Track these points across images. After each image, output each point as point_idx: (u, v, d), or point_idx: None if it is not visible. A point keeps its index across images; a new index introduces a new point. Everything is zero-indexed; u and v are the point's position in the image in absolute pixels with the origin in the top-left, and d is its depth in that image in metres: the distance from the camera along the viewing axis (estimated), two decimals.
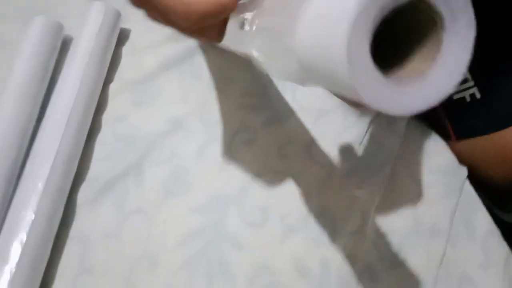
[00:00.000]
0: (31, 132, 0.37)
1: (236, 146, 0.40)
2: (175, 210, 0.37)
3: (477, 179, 0.39)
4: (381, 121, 0.40)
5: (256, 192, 0.37)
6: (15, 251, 0.30)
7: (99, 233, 0.35)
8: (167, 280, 0.34)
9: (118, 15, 0.44)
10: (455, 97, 0.39)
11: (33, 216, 0.32)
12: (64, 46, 0.44)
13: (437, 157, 0.40)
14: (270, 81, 0.43)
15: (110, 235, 0.35)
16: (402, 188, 0.37)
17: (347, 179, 0.37)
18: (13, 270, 0.30)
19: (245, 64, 0.44)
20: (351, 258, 0.33)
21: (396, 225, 0.35)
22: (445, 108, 0.40)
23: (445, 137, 0.41)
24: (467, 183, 0.39)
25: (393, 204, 0.36)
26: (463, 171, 0.39)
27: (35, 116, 0.39)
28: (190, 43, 0.46)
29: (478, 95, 0.39)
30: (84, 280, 0.34)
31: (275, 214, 0.36)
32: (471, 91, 0.39)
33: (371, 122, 0.40)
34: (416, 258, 0.34)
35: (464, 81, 0.39)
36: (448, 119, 0.40)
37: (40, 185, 0.33)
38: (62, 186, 0.35)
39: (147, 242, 0.35)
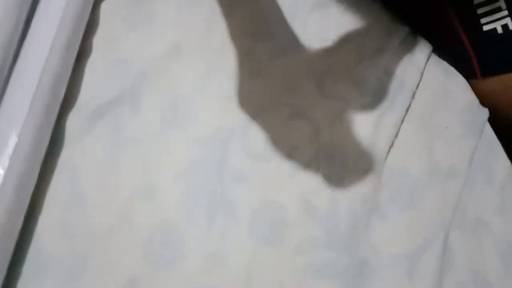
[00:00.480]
0: (15, 47, 0.34)
1: (242, 76, 0.36)
2: (174, 141, 0.34)
3: (500, 122, 0.36)
4: (401, 54, 0.37)
5: (263, 125, 0.34)
6: None
7: (91, 163, 0.33)
8: (166, 213, 0.31)
9: None
10: (485, 28, 0.36)
11: (16, 140, 0.29)
12: None
13: (458, 96, 0.37)
14: (278, 7, 0.39)
15: (103, 166, 0.33)
16: (419, 128, 0.35)
17: (362, 115, 0.34)
18: None
19: None
20: (362, 197, 0.31)
21: (411, 165, 0.33)
22: (472, 41, 0.37)
23: (469, 74, 0.38)
24: (488, 125, 0.36)
25: (409, 144, 0.34)
26: (485, 112, 0.36)
27: (20, 28, 0.35)
28: None
29: (511, 26, 0.35)
30: (74, 211, 0.31)
31: (282, 149, 0.33)
32: (504, 21, 0.35)
33: (390, 55, 0.37)
34: (430, 200, 0.32)
35: (497, 9, 0.35)
36: (474, 53, 0.37)
37: (25, 106, 0.30)
38: (49, 109, 0.31)
39: (143, 173, 0.33)
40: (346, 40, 0.38)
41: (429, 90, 0.36)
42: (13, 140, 0.29)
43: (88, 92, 0.35)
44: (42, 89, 0.31)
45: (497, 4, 0.35)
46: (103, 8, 0.38)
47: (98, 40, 0.37)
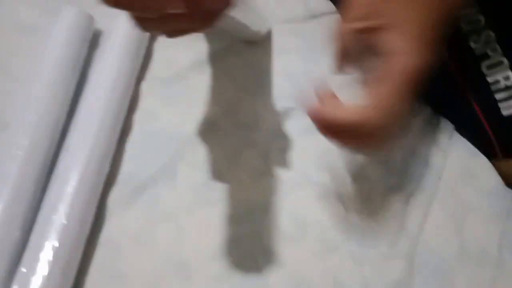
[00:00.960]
0: (62, 127, 0.36)
1: (272, 153, 0.38)
2: (208, 218, 0.35)
3: None
4: (425, 134, 0.39)
5: (294, 203, 0.35)
6: (47, 257, 0.29)
7: (130, 238, 0.34)
8: None
9: None
10: (504, 113, 0.37)
11: (65, 221, 0.30)
12: (94, 39, 0.42)
13: (483, 177, 0.38)
14: (308, 82, 0.42)
15: (141, 241, 0.34)
16: (447, 210, 0.36)
17: (391, 196, 0.36)
18: (45, 276, 0.28)
19: (281, 65, 0.42)
20: (395, 280, 0.32)
21: (441, 249, 0.34)
22: (493, 125, 0.38)
23: (491, 155, 0.39)
24: None
25: (437, 226, 0.35)
26: (510, 193, 0.37)
27: (66, 110, 0.37)
28: (223, 42, 0.44)
29: None
30: (113, 285, 0.32)
31: (314, 228, 0.34)
32: None
33: (414, 136, 0.39)
34: (461, 285, 0.32)
35: None
36: (494, 136, 0.39)
37: (72, 188, 0.32)
38: (94, 188, 0.33)
39: (179, 250, 0.34)
40: None
41: (454, 170, 0.38)
42: (61, 221, 0.30)
43: (128, 168, 0.37)
44: (90, 170, 0.33)
45: None
46: (143, 86, 0.41)
47: (138, 116, 0.39)
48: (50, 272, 0.28)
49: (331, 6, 0.45)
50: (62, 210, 0.31)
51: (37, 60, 0.37)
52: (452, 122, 0.40)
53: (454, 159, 0.38)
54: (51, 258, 0.29)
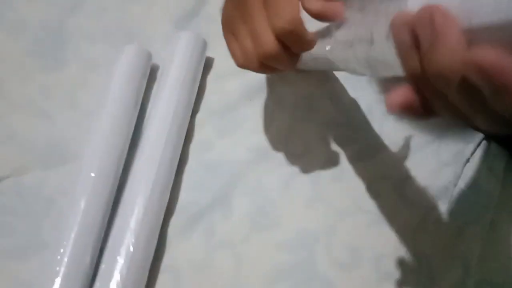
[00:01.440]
0: (125, 160, 0.39)
1: (323, 180, 0.39)
2: (262, 245, 0.36)
3: None
4: (478, 160, 0.38)
5: (346, 231, 0.36)
6: (115, 286, 0.31)
7: (189, 265, 0.36)
8: None
9: (204, 45, 0.44)
10: None
11: (131, 249, 0.32)
12: (151, 74, 0.45)
13: None
14: (357, 110, 0.42)
15: (199, 268, 0.36)
16: (505, 238, 0.35)
17: (444, 225, 0.36)
18: None
19: (330, 92, 0.43)
20: None
21: (500, 281, 0.33)
22: None
23: None
24: None
25: (495, 256, 0.34)
26: None
27: (128, 143, 0.40)
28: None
29: None
30: None
31: (368, 256, 0.35)
32: None
33: (467, 161, 0.38)
34: None
35: None
36: None
37: (138, 217, 0.34)
38: (157, 218, 0.35)
39: (236, 276, 0.35)
40: (422, 145, 0.40)
41: (509, 200, 0.37)
42: (128, 251, 0.32)
43: (186, 197, 0.39)
44: (153, 200, 0.35)
45: None
46: (198, 117, 0.43)
47: (194, 147, 0.42)
48: None
49: None
50: (127, 242, 0.33)
51: (102, 95, 0.40)
52: (506, 147, 0.39)
53: (509, 189, 0.37)
54: (120, 286, 0.31)
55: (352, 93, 0.43)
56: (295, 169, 0.40)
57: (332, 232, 0.36)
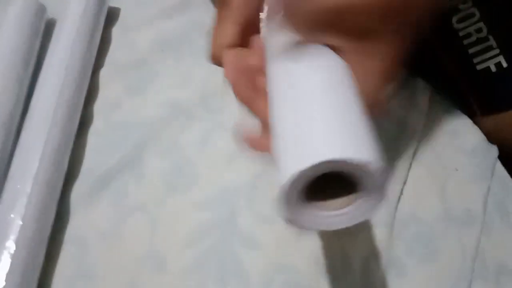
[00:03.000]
0: (17, 123, 0.34)
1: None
2: (180, 207, 0.33)
3: (507, 159, 0.36)
4: (401, 97, 0.37)
5: (267, 184, 0.33)
6: (4, 262, 0.27)
7: (97, 234, 0.32)
8: (176, 282, 0.31)
9: None
10: (479, 67, 0.35)
11: (20, 222, 0.28)
12: (48, 29, 0.40)
13: (464, 136, 0.36)
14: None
15: (109, 236, 0.32)
16: (428, 172, 0.34)
17: None
18: (3, 283, 0.27)
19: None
20: (375, 251, 0.30)
21: (423, 214, 0.32)
22: (468, 81, 0.36)
23: (471, 113, 0.37)
24: (499, 163, 0.35)
25: (419, 190, 0.33)
26: (494, 150, 0.36)
27: (21, 104, 0.35)
28: (186, 20, 0.42)
29: (504, 64, 0.35)
30: (83, 286, 0.31)
31: None
32: (496, 59, 0.35)
33: (390, 98, 0.37)
34: (448, 250, 0.31)
35: (488, 48, 0.35)
36: (472, 94, 0.37)
37: (28, 186, 0.30)
38: (53, 184, 0.31)
39: (151, 242, 0.32)
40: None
41: (434, 132, 0.36)
42: (17, 223, 0.28)
43: (91, 161, 0.35)
44: (45, 165, 0.31)
45: (488, 43, 0.35)
46: (102, 74, 0.39)
47: (98, 106, 0.37)
48: (7, 279, 0.27)
49: None
50: (17, 211, 0.29)
51: None
52: (429, 82, 0.38)
53: (433, 120, 0.36)
54: (8, 263, 0.27)
55: None
56: (213, 125, 0.37)
57: (253, 186, 0.34)
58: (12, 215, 0.28)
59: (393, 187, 0.32)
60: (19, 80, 0.35)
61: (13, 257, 0.27)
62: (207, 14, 0.41)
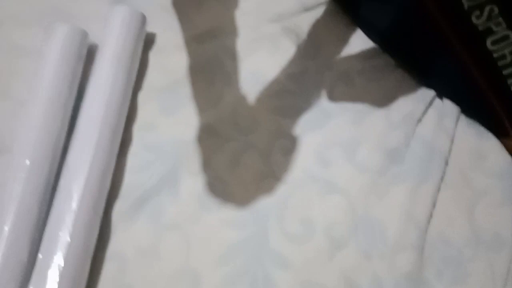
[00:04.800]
0: (62, 146, 0.36)
1: (274, 154, 0.38)
2: (213, 225, 0.35)
3: None
4: (429, 119, 0.37)
5: (297, 202, 0.35)
6: (53, 277, 0.29)
7: (136, 250, 0.34)
8: None
9: (143, 19, 0.42)
10: None
11: (68, 239, 0.30)
12: (90, 54, 0.42)
13: (493, 158, 0.36)
14: (307, 77, 0.41)
15: (147, 253, 0.34)
16: (457, 195, 0.34)
17: (396, 187, 0.35)
18: None
19: (278, 62, 0.42)
20: (406, 273, 0.31)
21: (453, 237, 0.33)
22: (502, 102, 0.37)
23: (501, 134, 0.37)
24: None
25: (447, 213, 0.34)
26: None
27: (66, 128, 0.37)
28: (217, 45, 0.44)
29: None
30: None
31: (320, 227, 0.34)
32: None
33: (419, 121, 0.37)
34: (477, 274, 0.31)
35: None
36: (505, 114, 0.37)
37: (75, 204, 0.32)
38: (97, 203, 0.33)
39: (186, 258, 0.34)
40: (372, 109, 0.39)
41: (462, 154, 0.36)
42: (65, 240, 0.30)
43: (130, 180, 0.37)
44: (91, 185, 0.33)
45: None
46: (140, 96, 0.41)
47: (137, 127, 0.39)
48: None
49: None
50: (65, 228, 0.31)
51: (34, 81, 0.38)
52: (458, 103, 0.39)
53: (461, 142, 0.37)
54: (57, 278, 0.29)
55: (301, 59, 0.42)
56: (244, 145, 0.38)
57: (283, 205, 0.35)
58: (60, 233, 0.31)
59: (422, 210, 0.33)
60: (65, 105, 0.38)
61: (62, 273, 0.29)
62: (237, 39, 0.43)
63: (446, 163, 0.35)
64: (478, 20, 0.36)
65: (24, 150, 0.34)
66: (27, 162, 0.34)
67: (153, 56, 0.44)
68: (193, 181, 0.37)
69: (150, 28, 0.45)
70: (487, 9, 0.36)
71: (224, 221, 0.35)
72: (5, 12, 0.41)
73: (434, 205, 0.33)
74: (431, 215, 0.33)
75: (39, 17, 0.42)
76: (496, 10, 0.36)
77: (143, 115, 0.40)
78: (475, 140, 0.37)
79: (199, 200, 0.36)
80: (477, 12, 0.36)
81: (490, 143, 0.37)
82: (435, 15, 0.37)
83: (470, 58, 0.37)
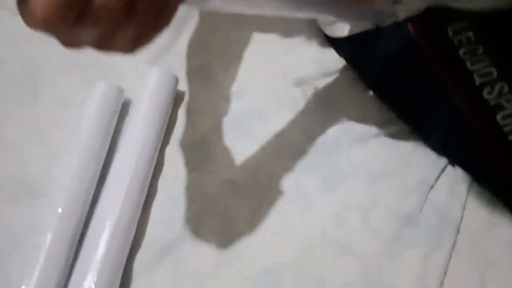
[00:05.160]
0: (93, 195, 0.39)
1: (291, 212, 0.39)
2: (230, 280, 0.36)
3: None
4: (442, 185, 0.39)
5: (313, 261, 0.36)
6: None
7: None
8: None
9: (176, 80, 0.45)
10: None
11: (93, 286, 0.32)
12: (125, 107, 0.46)
13: (504, 227, 0.37)
14: (323, 138, 0.43)
15: None
16: (468, 263, 0.35)
17: (409, 252, 0.36)
18: None
19: (299, 127, 0.44)
20: None
21: None
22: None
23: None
24: None
25: (459, 282, 0.34)
26: None
27: (97, 178, 0.40)
28: (242, 105, 0.47)
29: None
30: None
31: (334, 287, 0.35)
32: None
33: (432, 187, 0.39)
34: None
35: None
36: None
37: (100, 255, 0.34)
38: (121, 254, 0.35)
39: None
40: (388, 173, 0.41)
41: (474, 222, 0.37)
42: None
43: (153, 232, 0.39)
44: (117, 236, 0.35)
45: None
46: (167, 151, 0.44)
47: (163, 180, 0.42)
48: None
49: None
50: (90, 278, 0.33)
51: (73, 131, 0.41)
52: (470, 172, 0.40)
53: (473, 209, 0.38)
54: None
55: (320, 121, 0.44)
56: (262, 201, 0.40)
57: (299, 263, 0.36)
58: (85, 282, 0.32)
59: (434, 278, 0.33)
60: (98, 156, 0.41)
61: None
62: (261, 100, 0.46)
63: (458, 231, 0.36)
64: (489, 96, 0.38)
65: (58, 198, 0.37)
66: (60, 210, 0.36)
67: (181, 112, 0.47)
68: (212, 235, 0.39)
69: (180, 86, 0.48)
70: (497, 86, 0.38)
71: (241, 277, 0.36)
72: (52, 64, 0.45)
73: (445, 273, 0.34)
74: (442, 283, 0.34)
75: (82, 70, 0.45)
76: (506, 88, 0.38)
77: (169, 169, 0.43)
78: (486, 208, 0.38)
79: (218, 254, 0.37)
80: (488, 88, 0.38)
81: (501, 211, 0.38)
82: (449, 89, 0.39)
83: (482, 131, 0.39)
